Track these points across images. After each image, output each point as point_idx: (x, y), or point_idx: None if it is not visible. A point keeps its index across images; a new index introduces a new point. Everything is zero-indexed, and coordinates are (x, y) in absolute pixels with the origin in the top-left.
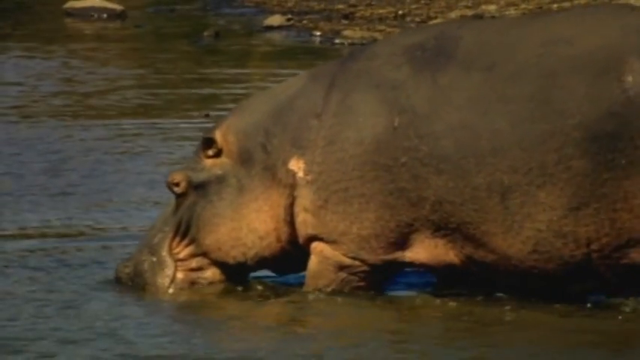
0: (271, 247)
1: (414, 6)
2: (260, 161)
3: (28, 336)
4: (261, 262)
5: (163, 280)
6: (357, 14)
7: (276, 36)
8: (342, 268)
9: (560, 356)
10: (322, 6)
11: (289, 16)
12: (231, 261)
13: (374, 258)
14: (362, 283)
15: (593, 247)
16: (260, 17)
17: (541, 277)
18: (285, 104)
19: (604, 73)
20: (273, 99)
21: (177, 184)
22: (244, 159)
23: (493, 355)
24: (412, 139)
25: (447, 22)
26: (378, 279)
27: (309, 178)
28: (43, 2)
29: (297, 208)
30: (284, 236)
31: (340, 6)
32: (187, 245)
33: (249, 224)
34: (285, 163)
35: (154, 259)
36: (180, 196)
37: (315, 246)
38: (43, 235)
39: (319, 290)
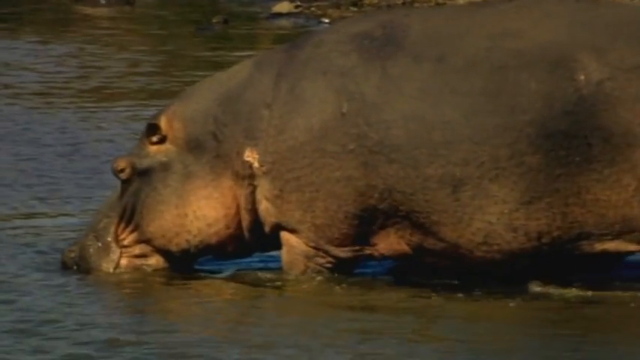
0: (219, 234)
1: None
2: (211, 149)
3: None
4: (205, 249)
5: (108, 265)
6: (366, 1)
7: (284, 23)
8: (308, 257)
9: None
10: None
11: (297, 2)
12: (174, 248)
13: (333, 248)
14: (331, 271)
15: (544, 240)
16: (268, 4)
17: (488, 265)
18: (234, 93)
19: (555, 70)
20: (220, 86)
21: (121, 171)
22: (192, 146)
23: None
24: (361, 126)
25: (394, 11)
26: (348, 267)
27: (264, 168)
28: None
29: (259, 196)
30: (240, 223)
31: None
32: (132, 232)
33: (195, 211)
34: (240, 154)
35: (99, 244)
36: (125, 182)
37: (283, 235)
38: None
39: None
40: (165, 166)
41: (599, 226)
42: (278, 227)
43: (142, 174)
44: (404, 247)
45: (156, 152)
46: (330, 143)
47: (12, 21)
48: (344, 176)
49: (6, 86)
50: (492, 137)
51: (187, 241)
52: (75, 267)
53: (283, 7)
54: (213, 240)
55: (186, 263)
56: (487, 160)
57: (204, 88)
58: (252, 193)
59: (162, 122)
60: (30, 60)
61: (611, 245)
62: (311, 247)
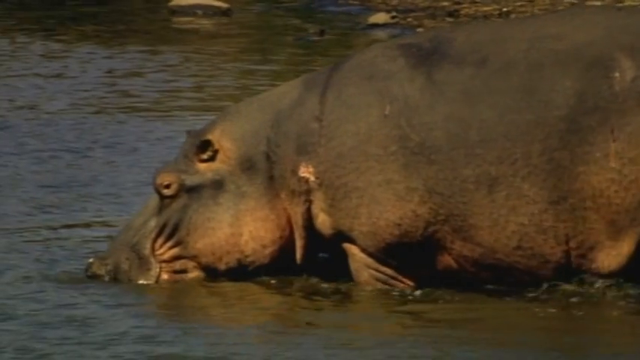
0: (273, 255)
1: (518, 3)
2: (264, 170)
3: None
4: (255, 269)
5: (147, 280)
6: (462, 12)
7: (380, 34)
8: (370, 265)
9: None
10: (427, 3)
11: (394, 13)
12: (222, 266)
13: (382, 258)
14: (396, 281)
15: (571, 244)
16: (364, 15)
17: (524, 274)
18: (285, 114)
19: (591, 68)
20: (270, 107)
21: (167, 186)
22: (245, 167)
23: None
24: (403, 127)
25: (440, 28)
26: (414, 276)
27: (318, 180)
28: (148, 1)
29: (315, 210)
30: (293, 244)
31: (445, 3)
32: (172, 247)
33: (252, 232)
34: (295, 171)
35: (137, 259)
36: (167, 198)
37: (345, 245)
38: None
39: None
40: (216, 184)
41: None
42: (336, 238)
43: (191, 190)
44: (446, 259)
45: (206, 170)
46: (373, 146)
47: (113, 32)
48: (385, 180)
49: (122, 94)
50: (525, 133)
51: (238, 260)
52: (108, 279)
53: (380, 18)
54: (266, 261)
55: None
56: (520, 158)
57: (254, 109)
58: (309, 209)
59: (214, 140)
60: (143, 69)
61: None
62: (366, 253)
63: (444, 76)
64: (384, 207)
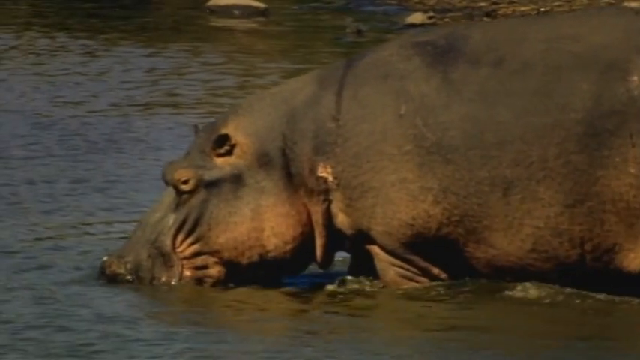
0: (294, 251)
1: (555, 3)
2: (282, 166)
3: None
4: (276, 265)
5: (170, 277)
6: (499, 12)
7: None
8: (393, 263)
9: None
10: (464, 3)
11: (431, 13)
12: (244, 261)
13: (395, 259)
14: (419, 278)
15: (587, 247)
16: (402, 15)
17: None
18: (300, 111)
19: (609, 71)
20: (284, 103)
21: (185, 182)
22: (263, 162)
23: None
24: (419, 127)
25: (456, 25)
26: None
27: (337, 181)
28: (186, 1)
29: (335, 210)
30: (313, 241)
31: (482, 4)
32: (193, 243)
33: (273, 228)
34: (313, 171)
35: (159, 256)
36: (184, 194)
37: (369, 247)
38: None
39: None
40: (236, 179)
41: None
42: (356, 237)
43: (210, 185)
44: (460, 260)
45: (224, 164)
46: (388, 145)
47: (152, 31)
48: (398, 179)
49: (164, 93)
50: (542, 136)
51: (260, 255)
52: (129, 277)
53: (417, 18)
54: (287, 256)
55: (245, 276)
56: (536, 161)
57: (267, 104)
58: (329, 208)
59: (229, 135)
60: (185, 68)
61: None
62: (387, 252)
63: (460, 76)
64: (397, 207)
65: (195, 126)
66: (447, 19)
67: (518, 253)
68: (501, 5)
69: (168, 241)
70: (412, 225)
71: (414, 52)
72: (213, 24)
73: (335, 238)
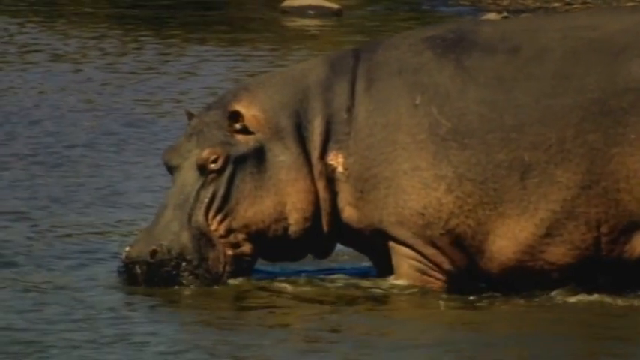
0: (309, 231)
1: (629, 4)
2: (299, 142)
3: None
4: (296, 242)
5: (215, 256)
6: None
7: None
8: (412, 257)
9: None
10: (538, 4)
11: (504, 14)
12: (270, 234)
13: (415, 247)
14: (436, 272)
15: (603, 229)
16: (475, 15)
17: (551, 266)
18: (313, 92)
19: (623, 52)
20: (295, 82)
21: (214, 161)
22: (280, 137)
23: None
24: (434, 115)
25: (460, 21)
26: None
27: (347, 172)
28: (261, 2)
29: (342, 204)
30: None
31: (556, 4)
32: (223, 220)
33: (295, 203)
34: (323, 156)
35: (202, 236)
36: (212, 173)
37: (391, 246)
38: None
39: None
40: (258, 153)
41: None
42: (365, 233)
43: (236, 161)
44: (462, 256)
45: (245, 140)
46: (402, 135)
47: (227, 31)
48: (411, 167)
49: None
50: (560, 118)
51: (285, 229)
52: (167, 265)
53: (491, 18)
54: (306, 234)
55: (271, 255)
56: (554, 144)
57: (279, 81)
58: (332, 198)
59: (242, 111)
60: (263, 69)
61: None
62: (404, 244)
63: (475, 62)
64: (409, 195)
65: (189, 111)
66: None
67: (530, 240)
68: (575, 6)
69: (201, 220)
70: (423, 214)
71: (425, 46)
72: (287, 25)
73: (337, 230)
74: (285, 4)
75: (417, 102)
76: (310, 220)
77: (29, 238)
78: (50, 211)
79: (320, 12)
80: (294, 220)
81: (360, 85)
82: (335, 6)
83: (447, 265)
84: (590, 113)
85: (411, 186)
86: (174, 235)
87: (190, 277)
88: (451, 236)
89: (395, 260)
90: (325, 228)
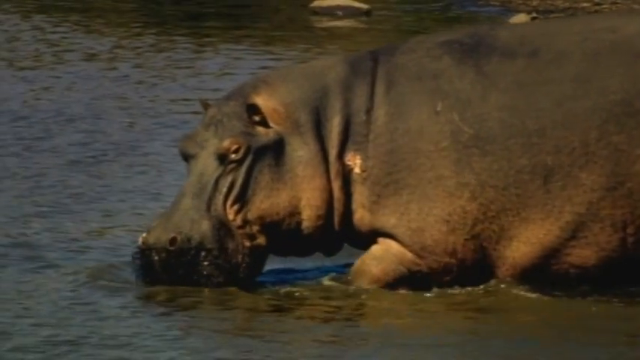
0: (321, 229)
1: None
2: (317, 140)
3: None
4: (307, 238)
5: (237, 247)
6: (602, 12)
7: None
8: (403, 262)
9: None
10: (567, 4)
11: (534, 14)
12: (284, 227)
13: (425, 255)
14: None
15: (629, 230)
16: (505, 16)
17: (576, 268)
18: (333, 90)
19: None
20: (314, 78)
21: (236, 151)
22: (299, 132)
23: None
24: (455, 122)
25: (476, 26)
26: (439, 279)
27: (364, 174)
28: (290, 3)
29: (354, 205)
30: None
31: (585, 4)
32: (239, 210)
33: (309, 199)
34: (341, 156)
35: (222, 226)
36: (232, 163)
37: (382, 240)
38: None
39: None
40: (278, 146)
41: None
42: (372, 235)
43: (255, 152)
44: (487, 261)
45: (265, 132)
46: (425, 142)
47: (257, 31)
48: (435, 176)
49: None
50: (583, 120)
51: (298, 224)
52: (187, 254)
53: (520, 19)
54: (318, 233)
55: (284, 247)
56: (578, 146)
57: (299, 77)
58: (346, 198)
59: (260, 103)
60: None
61: None
62: (409, 251)
63: (494, 68)
64: (433, 203)
65: (204, 101)
66: None
67: (556, 243)
68: (604, 6)
69: (222, 210)
70: (448, 221)
71: (442, 51)
72: (316, 25)
73: (348, 230)
74: (314, 4)
75: (439, 109)
76: (323, 218)
77: (65, 236)
78: (85, 209)
79: (349, 12)
80: (308, 216)
81: (379, 88)
82: (364, 6)
83: (447, 277)
84: (614, 115)
85: (436, 194)
86: (193, 224)
87: (209, 268)
88: (475, 242)
89: (379, 255)
90: (336, 227)
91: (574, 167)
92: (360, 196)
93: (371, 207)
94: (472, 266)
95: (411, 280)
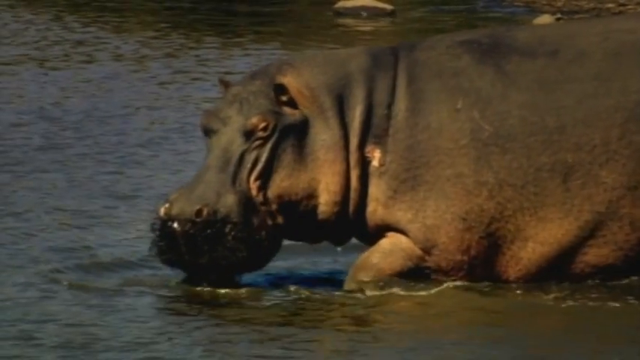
0: (336, 215)
1: None
2: (341, 126)
3: None
4: (322, 223)
5: (261, 223)
6: (627, 13)
7: None
8: (411, 258)
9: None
10: (592, 5)
11: (559, 15)
12: (301, 209)
13: (437, 253)
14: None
15: None
16: (529, 16)
17: (593, 267)
18: (356, 78)
19: None
20: (338, 65)
21: (265, 128)
22: (324, 117)
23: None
24: (476, 119)
25: (492, 27)
26: (446, 277)
27: (382, 169)
28: (314, 3)
29: (369, 198)
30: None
31: (610, 5)
32: (261, 188)
33: (328, 184)
34: (361, 146)
35: (248, 201)
36: (257, 140)
37: (391, 234)
38: None
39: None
40: (301, 127)
41: None
42: (382, 229)
43: (281, 131)
44: (499, 261)
45: (292, 112)
46: (444, 140)
47: (281, 31)
48: (454, 174)
49: None
50: (604, 119)
51: (314, 207)
52: (213, 226)
53: (544, 20)
54: (332, 218)
55: (296, 230)
56: (599, 144)
57: (323, 62)
58: (362, 189)
59: (288, 84)
60: None
61: None
62: (420, 247)
63: (515, 67)
64: (452, 201)
65: (223, 79)
66: None
67: (574, 243)
68: (629, 7)
69: (247, 185)
70: (464, 219)
71: (462, 50)
72: (340, 25)
73: (360, 220)
74: (338, 5)
75: (459, 107)
76: (339, 204)
77: (100, 236)
78: (116, 209)
79: (373, 13)
80: (325, 200)
81: (400, 83)
82: (388, 7)
83: (453, 275)
84: (635, 114)
85: (454, 192)
86: (219, 197)
87: (234, 242)
88: (490, 240)
89: (389, 249)
90: (350, 216)
91: (594, 165)
92: (376, 189)
93: (386, 201)
94: (482, 265)
95: (417, 276)
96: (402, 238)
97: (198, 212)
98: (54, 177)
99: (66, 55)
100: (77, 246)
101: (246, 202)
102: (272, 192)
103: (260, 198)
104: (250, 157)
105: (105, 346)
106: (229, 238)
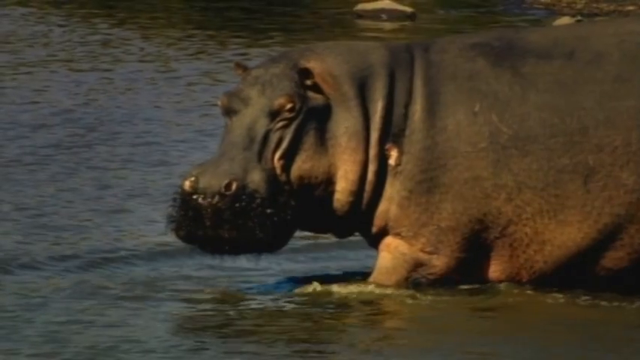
0: (349, 205)
1: None
2: (364, 116)
3: None
4: (335, 211)
5: (284, 200)
6: None
7: None
8: (416, 265)
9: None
10: (612, 7)
11: (579, 17)
12: (318, 193)
13: (449, 254)
14: (431, 280)
15: None
16: (549, 19)
17: (611, 270)
18: (377, 71)
19: None
20: (360, 56)
21: (291, 109)
22: (348, 105)
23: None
24: (494, 122)
25: (499, 29)
26: (450, 277)
27: (398, 168)
28: (334, 6)
29: (382, 196)
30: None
31: (630, 7)
32: (284, 167)
33: (347, 172)
34: (381, 142)
35: (272, 179)
36: (281, 120)
37: (389, 242)
38: None
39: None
40: (326, 111)
41: None
42: (389, 231)
43: (306, 113)
44: (513, 264)
45: (315, 97)
46: (462, 143)
47: (301, 34)
48: (472, 177)
49: None
50: (625, 120)
51: (331, 193)
52: (241, 201)
53: (564, 22)
54: (346, 208)
55: (308, 216)
56: (620, 145)
57: (345, 52)
58: (377, 184)
59: (313, 69)
60: None
61: None
62: (427, 252)
63: (532, 69)
64: (469, 203)
65: (240, 63)
66: None
67: (591, 246)
68: None
69: (271, 164)
70: (481, 220)
71: (475, 52)
72: (360, 28)
73: (369, 215)
74: (358, 7)
75: (476, 109)
76: (354, 195)
77: (129, 235)
78: (146, 207)
79: (393, 15)
80: (341, 188)
81: (417, 83)
82: (408, 9)
83: (460, 274)
84: None
85: (472, 195)
86: (247, 173)
87: (260, 217)
88: (505, 241)
89: (393, 264)
90: (362, 209)
91: (615, 167)
92: (391, 188)
93: (400, 202)
94: (494, 268)
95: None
96: (401, 249)
97: (228, 185)
98: (80, 177)
99: (92, 57)
100: (106, 246)
101: (273, 180)
102: (294, 173)
103: (284, 177)
104: (275, 137)
105: (128, 349)
106: (257, 212)
